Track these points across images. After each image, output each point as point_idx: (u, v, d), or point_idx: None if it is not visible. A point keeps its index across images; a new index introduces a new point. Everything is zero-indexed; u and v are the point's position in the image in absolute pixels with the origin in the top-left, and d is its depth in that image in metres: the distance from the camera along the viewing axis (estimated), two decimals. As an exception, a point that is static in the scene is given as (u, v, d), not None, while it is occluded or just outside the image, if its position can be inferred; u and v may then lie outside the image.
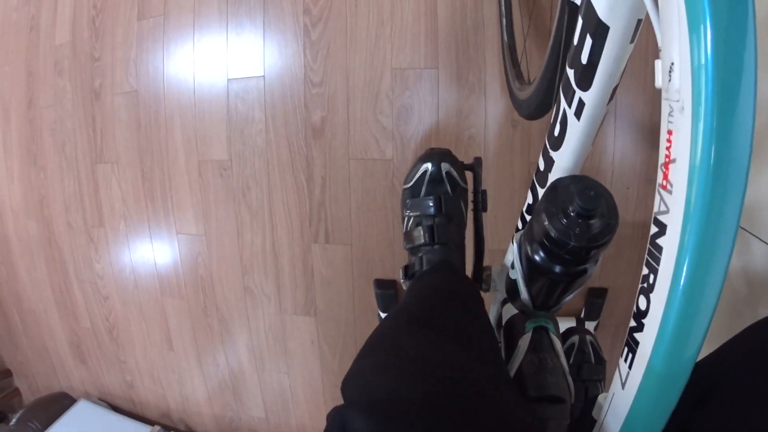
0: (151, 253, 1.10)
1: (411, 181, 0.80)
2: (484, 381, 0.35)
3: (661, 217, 0.28)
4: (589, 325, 0.94)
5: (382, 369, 0.35)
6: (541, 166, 0.59)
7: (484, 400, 0.33)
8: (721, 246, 0.26)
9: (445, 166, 0.77)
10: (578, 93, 0.46)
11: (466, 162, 0.75)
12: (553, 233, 0.42)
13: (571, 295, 0.56)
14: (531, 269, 0.50)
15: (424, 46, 0.89)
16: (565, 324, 0.93)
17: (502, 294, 0.68)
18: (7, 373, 1.52)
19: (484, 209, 0.73)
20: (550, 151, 0.56)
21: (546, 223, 0.42)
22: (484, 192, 0.73)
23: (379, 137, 0.90)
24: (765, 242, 0.70)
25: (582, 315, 0.95)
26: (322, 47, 0.92)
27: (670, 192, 0.27)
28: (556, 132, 0.53)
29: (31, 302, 1.35)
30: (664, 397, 0.31)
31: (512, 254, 0.54)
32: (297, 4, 0.92)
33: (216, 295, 1.06)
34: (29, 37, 1.19)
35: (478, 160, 0.75)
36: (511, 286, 0.61)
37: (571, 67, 0.46)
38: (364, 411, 0.30)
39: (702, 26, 0.23)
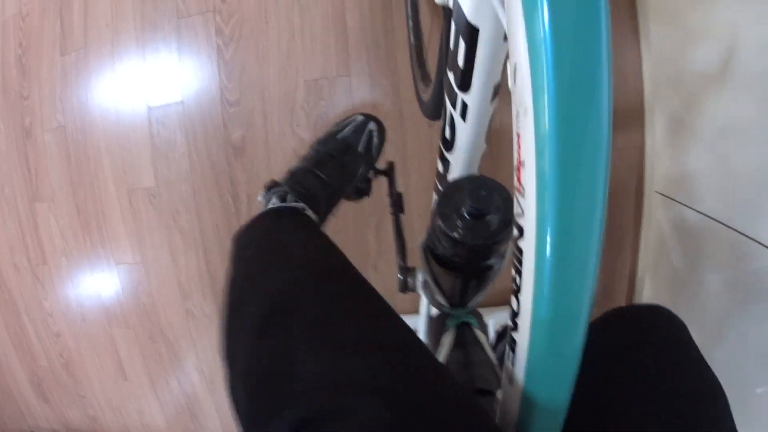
0: (94, 285, 1.10)
1: (340, 124, 0.80)
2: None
3: (519, 220, 0.28)
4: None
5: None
6: (440, 168, 0.60)
7: None
8: (578, 252, 0.25)
9: (372, 125, 0.78)
10: (460, 95, 0.46)
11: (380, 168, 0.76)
12: (450, 234, 0.42)
13: (485, 290, 0.56)
14: (438, 270, 0.50)
15: (335, 55, 0.89)
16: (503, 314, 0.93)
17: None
18: (-21, 420, 1.51)
19: (401, 211, 0.73)
20: (444, 152, 0.57)
21: (442, 225, 0.42)
22: (400, 195, 0.73)
23: (299, 150, 0.91)
24: (696, 210, 0.70)
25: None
26: (236, 66, 0.92)
27: (522, 195, 0.26)
28: (447, 134, 0.53)
29: (-11, 346, 1.34)
30: (549, 395, 0.31)
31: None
32: (209, 26, 0.93)
33: (160, 321, 1.06)
34: (-40, 83, 1.19)
35: (390, 165, 0.75)
36: (426, 287, 0.61)
37: (450, 71, 0.46)
38: None
39: (538, 18, 0.21)
